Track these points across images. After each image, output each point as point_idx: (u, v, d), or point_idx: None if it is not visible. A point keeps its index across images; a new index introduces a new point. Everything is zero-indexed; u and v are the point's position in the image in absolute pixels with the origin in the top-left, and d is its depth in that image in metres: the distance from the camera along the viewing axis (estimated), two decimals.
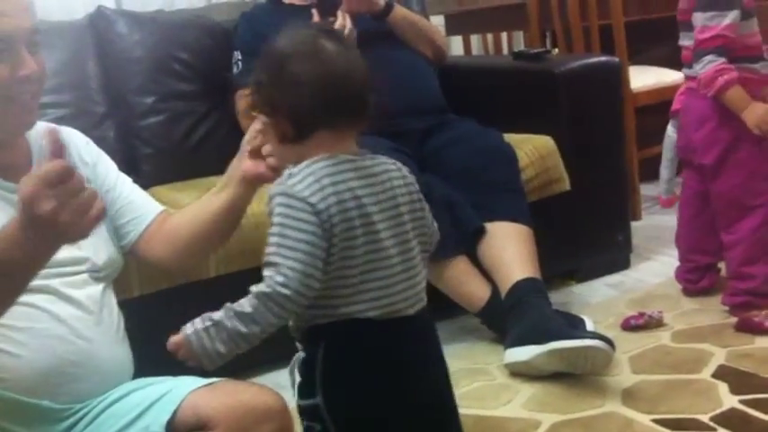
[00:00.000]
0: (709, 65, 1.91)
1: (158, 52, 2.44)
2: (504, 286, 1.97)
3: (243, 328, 1.04)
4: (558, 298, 2.24)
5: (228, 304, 1.06)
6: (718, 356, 1.85)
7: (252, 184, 1.42)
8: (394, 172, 1.14)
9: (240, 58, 2.41)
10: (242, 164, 1.41)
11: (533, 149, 2.30)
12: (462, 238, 2.02)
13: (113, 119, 2.38)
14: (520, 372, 1.87)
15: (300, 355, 1.14)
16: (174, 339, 1.09)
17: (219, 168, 2.33)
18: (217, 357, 1.07)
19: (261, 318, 1.03)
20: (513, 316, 1.91)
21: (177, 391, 1.34)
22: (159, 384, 1.39)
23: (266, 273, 1.03)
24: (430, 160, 2.21)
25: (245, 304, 1.04)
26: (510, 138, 2.28)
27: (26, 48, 1.32)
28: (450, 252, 2.00)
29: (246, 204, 1.47)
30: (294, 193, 1.03)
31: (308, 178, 1.05)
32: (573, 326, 1.87)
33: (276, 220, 1.03)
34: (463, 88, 2.59)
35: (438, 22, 3.49)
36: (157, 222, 1.54)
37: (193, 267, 1.72)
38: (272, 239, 1.03)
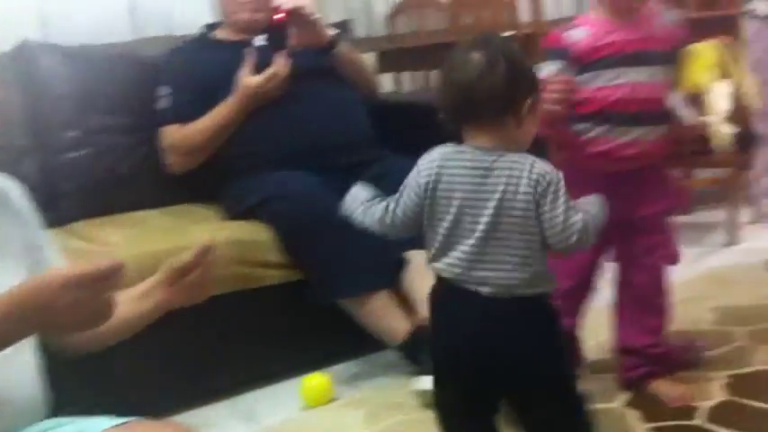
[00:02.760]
0: None
1: (83, 86, 2.43)
2: (419, 316, 1.99)
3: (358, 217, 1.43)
4: None
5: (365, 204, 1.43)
6: None
7: (165, 306, 1.42)
8: (506, 170, 1.30)
9: (167, 92, 2.41)
10: (161, 290, 1.41)
11: None
12: (383, 272, 2.05)
13: (35, 154, 2.35)
14: (428, 401, 1.88)
15: None
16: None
17: (143, 203, 2.37)
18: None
19: (368, 218, 1.42)
20: (424, 350, 1.92)
21: (89, 431, 1.33)
22: (71, 425, 1.37)
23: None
24: None
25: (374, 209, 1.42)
26: None
27: None
28: (370, 286, 2.03)
29: (159, 315, 1.45)
30: (420, 163, 1.37)
31: (429, 156, 1.36)
32: None
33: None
34: (395, 124, 2.63)
35: (370, 59, 3.54)
36: None
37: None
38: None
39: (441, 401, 1.43)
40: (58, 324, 1.06)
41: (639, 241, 1.82)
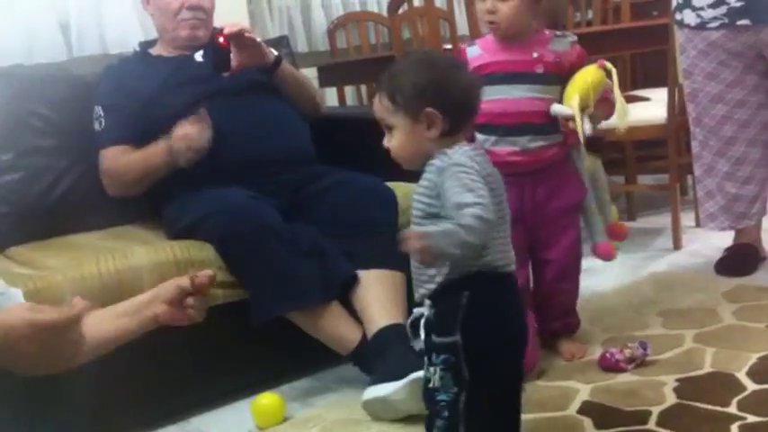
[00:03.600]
0: None
1: (16, 107, 2.37)
2: (370, 332, 1.99)
3: (469, 238, 1.29)
4: None
5: (453, 226, 1.30)
6: (583, 392, 1.91)
7: (159, 324, 1.50)
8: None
9: (102, 114, 2.36)
10: (156, 306, 1.50)
11: (403, 196, 2.32)
12: (331, 287, 2.02)
13: None
14: (376, 412, 1.88)
15: (421, 311, 1.44)
16: (415, 234, 1.31)
17: (82, 226, 2.30)
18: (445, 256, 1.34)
19: (478, 233, 1.29)
20: (377, 362, 1.92)
21: None
22: None
23: (468, 209, 1.29)
24: (306, 207, 2.22)
25: (468, 224, 1.28)
26: None
27: None
28: (319, 300, 2.00)
29: (147, 330, 1.53)
30: (462, 162, 1.36)
31: (464, 156, 1.38)
32: None
33: (459, 176, 1.33)
34: (337, 138, 2.61)
35: (311, 74, 3.53)
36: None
37: None
38: (457, 189, 1.32)
39: (489, 397, 1.41)
40: (18, 365, 1.08)
41: (545, 234, 2.03)
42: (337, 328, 2.02)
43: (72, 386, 1.83)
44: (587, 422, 1.77)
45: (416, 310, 1.46)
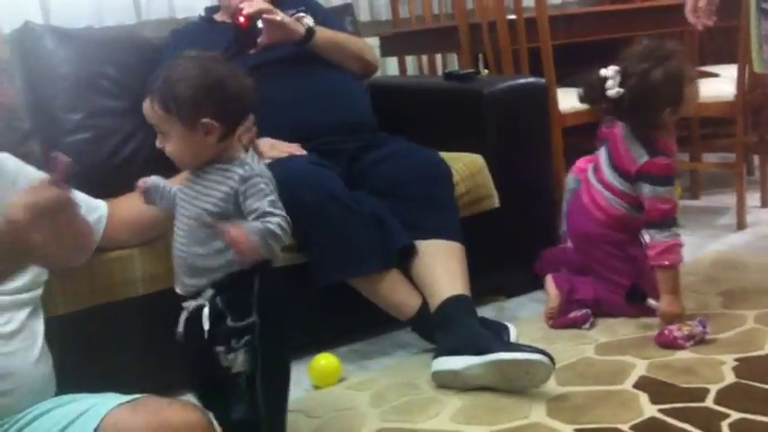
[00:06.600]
0: (672, 237, 2.06)
1: (86, 68, 2.41)
2: (434, 303, 1.99)
3: (275, 243, 1.41)
4: (487, 313, 2.25)
5: (265, 227, 1.39)
6: (639, 368, 1.90)
7: None
8: None
9: None
10: None
11: (463, 167, 2.34)
12: (390, 255, 2.03)
13: (39, 135, 2.33)
14: (446, 383, 1.89)
15: (199, 303, 1.46)
16: (235, 233, 1.36)
17: None
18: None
19: (282, 239, 1.42)
20: (442, 332, 1.93)
21: (98, 408, 1.32)
22: (81, 401, 1.37)
23: (274, 218, 1.41)
24: (362, 177, 2.22)
25: (275, 231, 1.40)
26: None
27: None
28: (379, 267, 2.02)
29: None
30: (264, 173, 1.46)
31: (263, 166, 1.49)
32: (498, 334, 1.93)
33: (262, 187, 1.42)
34: (395, 108, 2.61)
35: (373, 43, 3.53)
36: (111, 216, 1.74)
37: None
38: (261, 199, 1.42)
39: None
40: (42, 256, 1.06)
41: None
42: (397, 294, 2.04)
43: (125, 340, 1.88)
44: (643, 397, 1.76)
45: (192, 303, 1.47)
